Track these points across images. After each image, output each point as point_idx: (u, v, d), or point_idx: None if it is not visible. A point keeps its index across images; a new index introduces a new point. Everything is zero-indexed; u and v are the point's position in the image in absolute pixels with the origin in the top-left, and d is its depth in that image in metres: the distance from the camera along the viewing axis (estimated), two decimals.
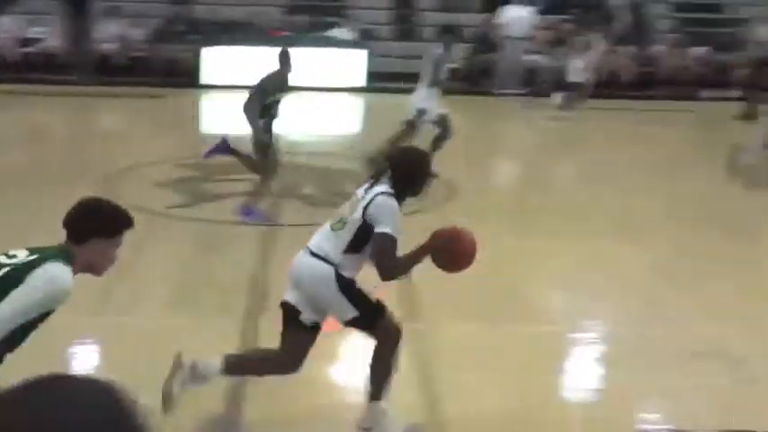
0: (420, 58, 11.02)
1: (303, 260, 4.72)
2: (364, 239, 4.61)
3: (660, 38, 18.33)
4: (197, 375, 4.70)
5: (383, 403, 4.81)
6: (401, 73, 14.63)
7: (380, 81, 16.34)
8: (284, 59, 8.79)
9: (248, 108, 8.55)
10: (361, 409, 4.88)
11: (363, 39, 17.63)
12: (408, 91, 10.77)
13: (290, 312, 4.72)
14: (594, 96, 15.22)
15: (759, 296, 7.21)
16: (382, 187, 4.65)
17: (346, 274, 4.61)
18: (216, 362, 4.77)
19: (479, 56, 17.64)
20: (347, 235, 4.62)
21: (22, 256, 3.65)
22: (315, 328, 4.74)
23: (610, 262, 8.01)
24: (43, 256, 3.62)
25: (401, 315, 5.32)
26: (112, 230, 3.72)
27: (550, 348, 6.30)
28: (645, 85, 17.69)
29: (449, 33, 10.96)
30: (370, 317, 4.68)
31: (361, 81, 16.91)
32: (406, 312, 6.10)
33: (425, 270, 4.86)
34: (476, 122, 14.92)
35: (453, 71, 12.59)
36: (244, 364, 5.00)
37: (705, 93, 17.22)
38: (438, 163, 7.16)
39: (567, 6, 18.66)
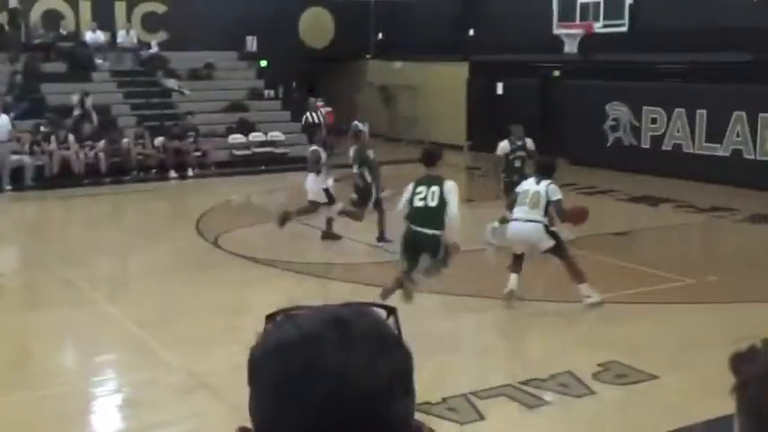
0: None
1: (526, 225, 9.44)
2: (547, 207, 9.34)
3: (126, 132, 20.88)
4: None
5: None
6: None
7: None
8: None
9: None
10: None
11: None
12: None
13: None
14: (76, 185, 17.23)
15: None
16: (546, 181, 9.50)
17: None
18: None
19: None
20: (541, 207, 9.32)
21: None
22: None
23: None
24: None
25: None
26: None
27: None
28: (119, 171, 20.13)
29: None
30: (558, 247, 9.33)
31: None
32: None
33: None
34: None
35: None
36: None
37: (171, 173, 20.30)
38: None
39: (40, 112, 20.57)
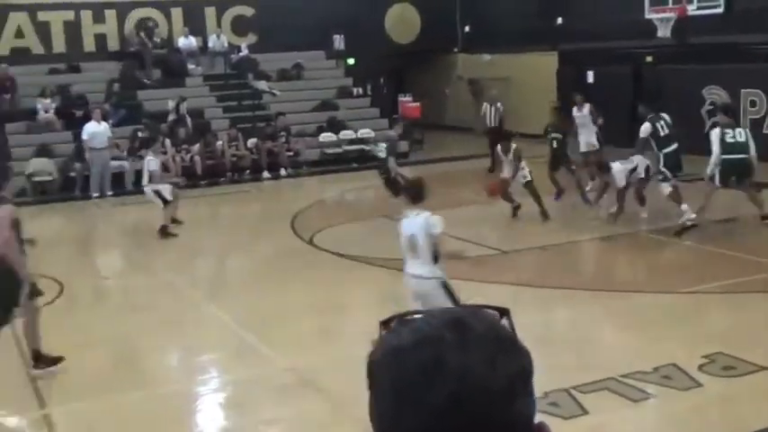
0: None
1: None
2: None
3: (220, 135, 21.37)
4: None
5: None
6: None
7: None
8: None
9: None
10: None
11: None
12: None
13: None
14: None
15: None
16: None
17: None
18: None
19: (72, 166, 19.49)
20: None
21: None
22: None
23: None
24: None
25: None
26: None
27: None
28: (214, 173, 20.62)
29: None
30: None
31: None
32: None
33: None
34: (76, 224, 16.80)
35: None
36: None
37: (264, 174, 20.66)
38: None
39: (137, 119, 21.26)
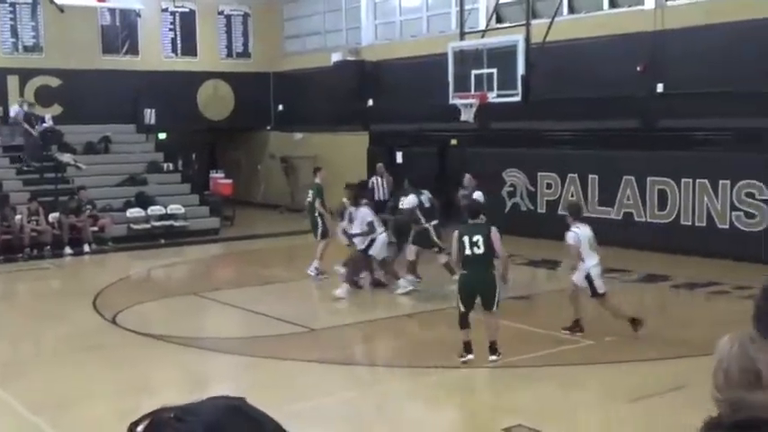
0: None
1: None
2: None
3: (19, 209, 20.25)
4: None
5: None
6: None
7: None
8: None
9: None
10: None
11: None
12: None
13: None
14: None
15: None
16: None
17: None
18: None
19: None
20: None
21: None
22: None
23: None
24: None
25: None
26: None
27: None
28: (11, 249, 19.46)
29: None
30: None
31: None
32: None
33: None
34: None
35: None
36: None
37: (66, 250, 19.71)
38: None
39: None
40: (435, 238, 14.39)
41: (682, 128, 17.40)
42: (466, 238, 9.81)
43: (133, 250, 20.34)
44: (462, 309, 9.84)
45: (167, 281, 17.90)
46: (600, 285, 11.06)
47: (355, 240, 14.11)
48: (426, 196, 14.75)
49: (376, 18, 25.51)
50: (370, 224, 14.05)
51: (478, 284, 9.89)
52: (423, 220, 14.36)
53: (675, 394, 8.49)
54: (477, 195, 15.13)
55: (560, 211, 19.54)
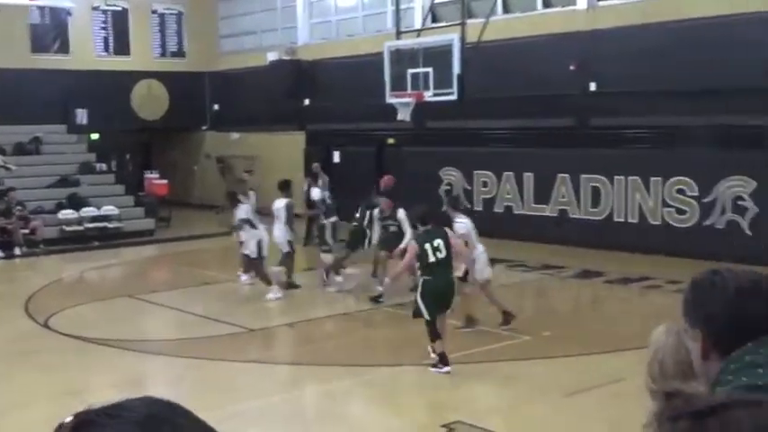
0: None
1: None
2: None
3: None
4: None
5: None
6: None
7: None
8: None
9: None
10: None
11: None
12: None
13: None
14: None
15: None
16: None
17: None
18: None
19: None
20: None
21: None
22: None
23: None
24: None
25: None
26: None
27: None
28: None
29: None
30: None
31: None
32: None
33: None
34: None
35: None
36: None
37: None
38: None
39: None
40: (328, 237, 14.54)
41: (614, 126, 17.72)
42: (428, 246, 9.63)
43: (66, 253, 19.95)
44: (428, 317, 9.58)
45: (101, 283, 17.59)
46: (484, 271, 11.41)
47: (248, 248, 14.02)
48: (327, 194, 14.96)
49: (312, 17, 25.43)
50: (241, 221, 14.13)
51: (448, 288, 9.79)
52: (323, 217, 14.84)
53: (612, 387, 8.63)
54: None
55: (495, 210, 19.79)
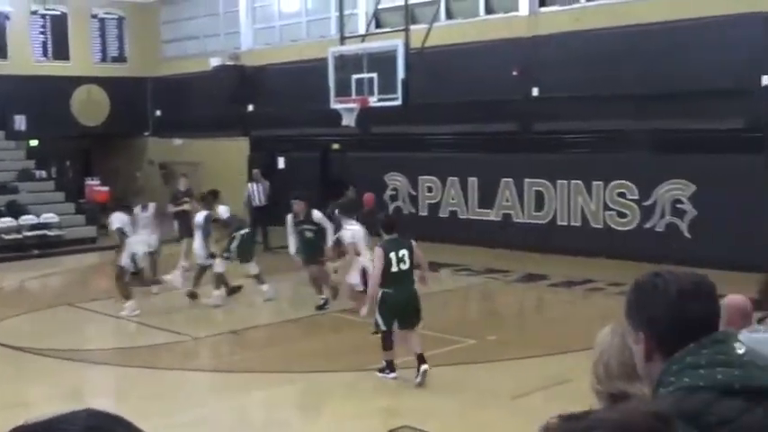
0: None
1: None
2: None
3: None
4: None
5: None
6: None
7: None
8: None
9: None
10: None
11: None
12: None
13: None
14: None
15: None
16: None
17: None
18: None
19: None
20: None
21: None
22: None
23: None
24: None
25: None
26: None
27: None
28: None
29: None
30: None
31: None
32: None
33: None
34: None
35: None
36: None
37: None
38: None
39: None
40: (232, 245, 14.08)
41: (556, 130, 17.93)
42: (392, 255, 9.37)
43: (4, 262, 19.50)
44: (384, 327, 9.45)
45: (41, 292, 17.25)
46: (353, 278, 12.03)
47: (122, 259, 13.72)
48: (226, 207, 14.68)
49: (255, 22, 25.29)
50: (116, 231, 13.88)
51: (409, 301, 9.54)
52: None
53: (558, 389, 8.70)
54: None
55: (440, 214, 19.87)
